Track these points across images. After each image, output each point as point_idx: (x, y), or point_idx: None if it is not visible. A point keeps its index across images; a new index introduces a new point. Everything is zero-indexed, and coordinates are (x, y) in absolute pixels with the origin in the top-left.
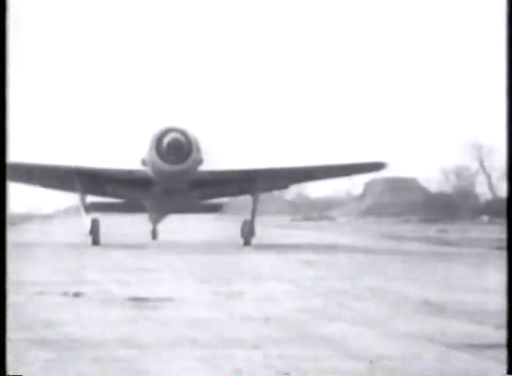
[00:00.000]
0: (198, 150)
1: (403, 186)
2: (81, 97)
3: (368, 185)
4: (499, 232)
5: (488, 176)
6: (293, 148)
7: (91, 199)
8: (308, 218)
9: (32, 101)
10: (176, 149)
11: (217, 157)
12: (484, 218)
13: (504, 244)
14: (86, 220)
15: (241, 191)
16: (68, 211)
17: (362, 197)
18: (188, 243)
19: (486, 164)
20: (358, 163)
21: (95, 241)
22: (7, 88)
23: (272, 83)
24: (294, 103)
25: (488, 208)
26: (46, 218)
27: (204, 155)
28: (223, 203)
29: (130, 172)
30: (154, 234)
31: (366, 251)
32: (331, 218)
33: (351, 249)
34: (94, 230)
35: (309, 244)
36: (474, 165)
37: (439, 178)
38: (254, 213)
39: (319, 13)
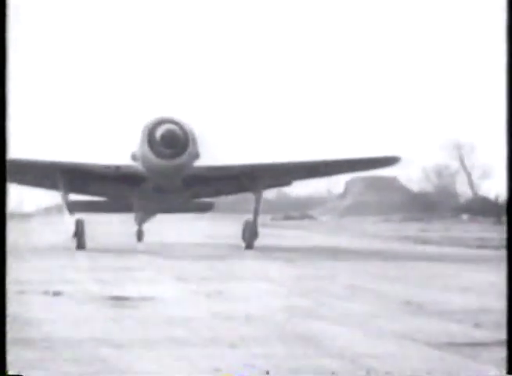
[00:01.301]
0: (194, 142)
1: (384, 185)
2: (63, 83)
3: (348, 184)
4: (479, 230)
5: (469, 175)
6: (286, 142)
7: (71, 197)
8: (288, 217)
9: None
10: (171, 142)
11: (214, 151)
12: (465, 216)
13: (485, 242)
14: (69, 221)
15: (241, 188)
16: (49, 210)
17: (342, 195)
18: (180, 246)
19: (466, 163)
20: (370, 157)
21: (80, 245)
22: (7, 88)
23: (274, 75)
24: (295, 97)
25: (469, 207)
26: (26, 217)
27: (201, 149)
28: (214, 201)
29: (118, 168)
30: (139, 235)
31: (387, 256)
32: (312, 217)
33: (359, 255)
34: (79, 233)
35: (312, 247)
36: (455, 164)
37: (420, 177)
38: (256, 213)
39: (322, 9)
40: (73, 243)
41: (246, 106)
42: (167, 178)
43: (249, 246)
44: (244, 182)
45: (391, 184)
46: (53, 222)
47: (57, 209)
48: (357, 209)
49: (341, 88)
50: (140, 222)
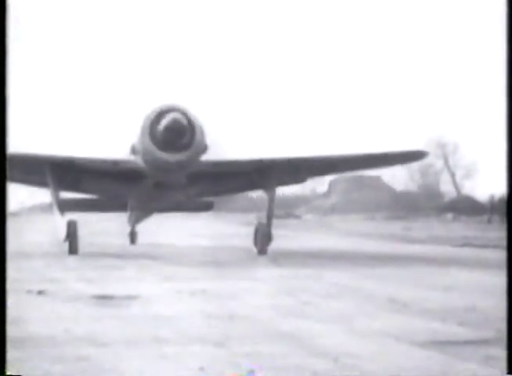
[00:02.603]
0: (202, 134)
1: (368, 184)
2: (58, 71)
3: (333, 183)
4: (463, 229)
5: (453, 174)
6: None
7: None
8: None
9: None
10: (176, 133)
11: (222, 144)
12: (449, 215)
13: (469, 241)
14: (61, 222)
15: (252, 186)
16: (34, 210)
17: (327, 194)
18: (181, 250)
19: (451, 162)
20: (396, 152)
21: (73, 250)
22: (6, 88)
23: (286, 67)
24: (299, 91)
25: (453, 206)
26: (11, 215)
27: (208, 141)
28: (214, 200)
29: (115, 163)
30: (133, 237)
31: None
32: (297, 216)
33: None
34: (71, 235)
35: (328, 251)
36: (439, 163)
37: (404, 177)
38: (270, 214)
39: (324, 6)
40: (64, 246)
41: (257, 97)
42: (170, 175)
43: (262, 251)
44: (255, 178)
45: (375, 183)
46: (39, 221)
47: (42, 209)
48: (341, 208)
49: (332, 84)
50: (134, 222)
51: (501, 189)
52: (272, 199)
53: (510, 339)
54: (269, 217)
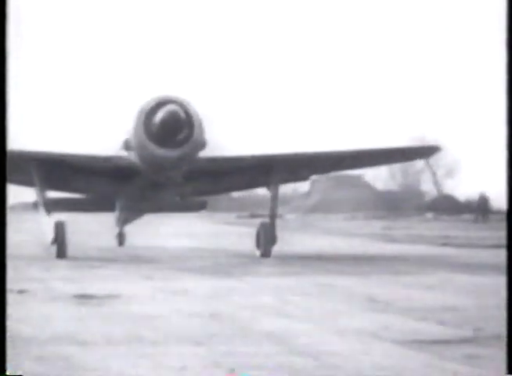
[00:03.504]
0: (201, 128)
1: (349, 183)
2: (46, 58)
3: (314, 182)
4: (443, 228)
5: (433, 174)
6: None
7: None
8: (254, 216)
9: None
10: (174, 127)
11: (220, 139)
12: (429, 215)
13: (449, 240)
14: (47, 223)
15: (253, 184)
16: (15, 209)
17: (308, 194)
18: (174, 253)
19: (431, 161)
20: (408, 147)
21: (61, 253)
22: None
23: (288, 59)
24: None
25: (433, 205)
26: None
27: (206, 136)
28: (207, 199)
29: (107, 160)
30: (121, 239)
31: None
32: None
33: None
34: (59, 238)
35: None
36: (420, 163)
37: (385, 176)
38: (273, 213)
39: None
40: (51, 249)
41: (258, 88)
42: (166, 172)
43: (265, 253)
44: (257, 176)
45: (357, 182)
46: (22, 221)
47: (24, 207)
48: (322, 207)
49: (328, 81)
50: (123, 223)
51: (481, 189)
52: (275, 197)
53: (510, 339)
54: (272, 217)
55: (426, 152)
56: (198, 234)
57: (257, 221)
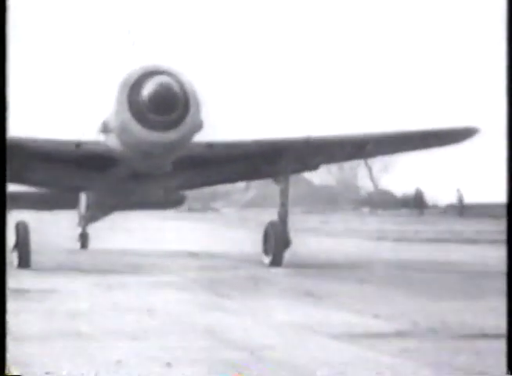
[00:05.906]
0: (198, 106)
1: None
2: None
3: None
4: (378, 223)
5: (370, 169)
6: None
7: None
8: (192, 210)
9: None
10: (166, 103)
11: (217, 120)
12: (365, 209)
13: (384, 234)
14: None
15: (256, 174)
16: None
17: (246, 188)
18: (154, 260)
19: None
20: (444, 129)
21: (23, 262)
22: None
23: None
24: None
25: (370, 200)
26: None
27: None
28: (186, 194)
29: (79, 145)
30: (84, 240)
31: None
32: (215, 210)
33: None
34: (21, 243)
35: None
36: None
37: (322, 171)
38: (283, 211)
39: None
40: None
41: (263, 65)
42: (154, 160)
43: (276, 261)
44: (261, 164)
45: (294, 177)
46: None
47: None
48: (260, 201)
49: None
50: (88, 222)
51: (417, 184)
52: (285, 191)
53: (510, 339)
54: (283, 216)
55: (466, 134)
56: (177, 235)
57: (198, 215)
